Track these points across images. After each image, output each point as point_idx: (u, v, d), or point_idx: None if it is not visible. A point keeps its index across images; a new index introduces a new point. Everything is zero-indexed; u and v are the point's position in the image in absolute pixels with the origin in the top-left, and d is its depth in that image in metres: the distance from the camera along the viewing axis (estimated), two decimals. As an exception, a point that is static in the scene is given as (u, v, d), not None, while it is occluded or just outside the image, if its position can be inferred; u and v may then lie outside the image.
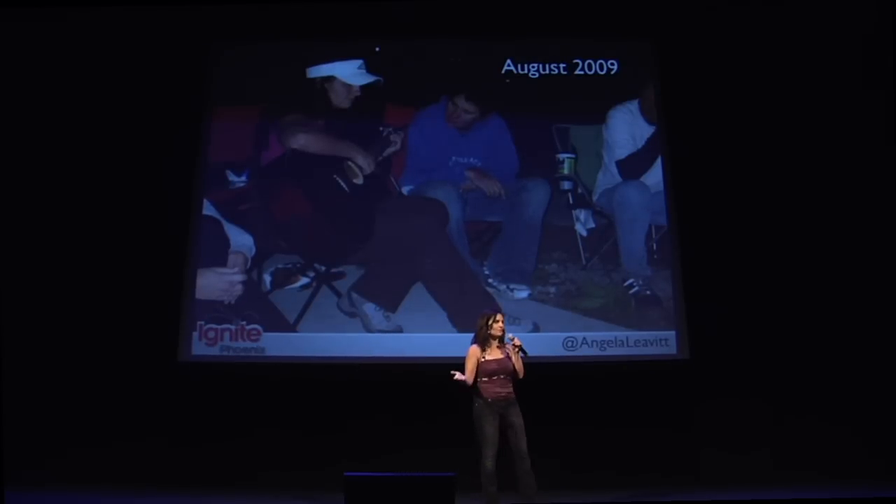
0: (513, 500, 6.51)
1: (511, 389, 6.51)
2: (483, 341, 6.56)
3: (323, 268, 8.50)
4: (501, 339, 6.57)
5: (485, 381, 6.49)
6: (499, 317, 6.62)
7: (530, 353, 6.68)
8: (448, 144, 8.73)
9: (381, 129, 8.75)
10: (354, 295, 8.40)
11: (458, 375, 6.47)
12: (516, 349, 6.56)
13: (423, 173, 8.71)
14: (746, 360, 8.19)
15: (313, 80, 8.83)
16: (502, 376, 6.50)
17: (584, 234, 8.58)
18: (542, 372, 6.90)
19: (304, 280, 8.48)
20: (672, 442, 8.10)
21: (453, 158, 8.73)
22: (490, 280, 8.45)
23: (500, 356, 6.53)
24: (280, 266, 8.50)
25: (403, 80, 8.77)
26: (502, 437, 6.46)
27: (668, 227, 8.49)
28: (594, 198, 8.65)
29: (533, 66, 8.79)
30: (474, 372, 6.50)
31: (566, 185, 8.66)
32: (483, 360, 6.53)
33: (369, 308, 8.38)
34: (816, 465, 7.91)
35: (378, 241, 8.53)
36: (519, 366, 6.54)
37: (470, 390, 6.52)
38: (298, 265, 8.51)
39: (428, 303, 8.38)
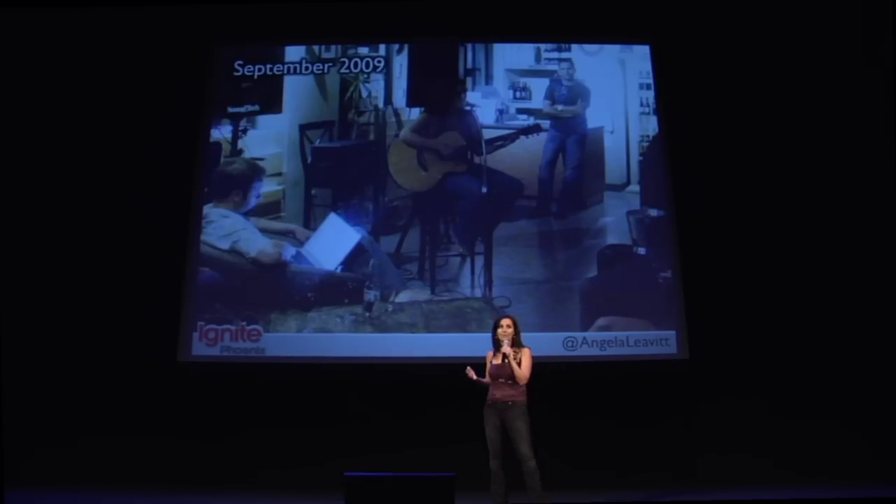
0: (521, 500, 6.51)
1: (509, 393, 6.47)
2: (495, 345, 6.59)
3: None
4: (514, 344, 6.52)
5: (490, 385, 6.55)
6: (503, 321, 6.61)
7: (535, 353, 6.63)
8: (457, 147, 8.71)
9: (384, 130, 8.74)
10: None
11: (470, 372, 6.51)
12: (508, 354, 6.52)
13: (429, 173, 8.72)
14: (746, 360, 8.19)
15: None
16: (501, 380, 6.50)
17: (585, 233, 8.59)
18: (541, 371, 6.89)
19: (304, 280, 8.49)
20: (672, 441, 8.10)
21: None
22: (490, 280, 8.44)
23: (500, 361, 6.54)
24: (280, 266, 8.51)
25: (403, 80, 8.76)
26: (506, 440, 6.47)
27: (667, 227, 8.48)
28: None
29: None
30: (488, 374, 6.59)
31: (567, 184, 8.67)
32: (489, 364, 6.59)
33: (370, 307, 8.38)
34: (816, 465, 7.91)
35: (380, 241, 8.53)
36: (515, 371, 6.45)
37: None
38: (298, 265, 8.53)
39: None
